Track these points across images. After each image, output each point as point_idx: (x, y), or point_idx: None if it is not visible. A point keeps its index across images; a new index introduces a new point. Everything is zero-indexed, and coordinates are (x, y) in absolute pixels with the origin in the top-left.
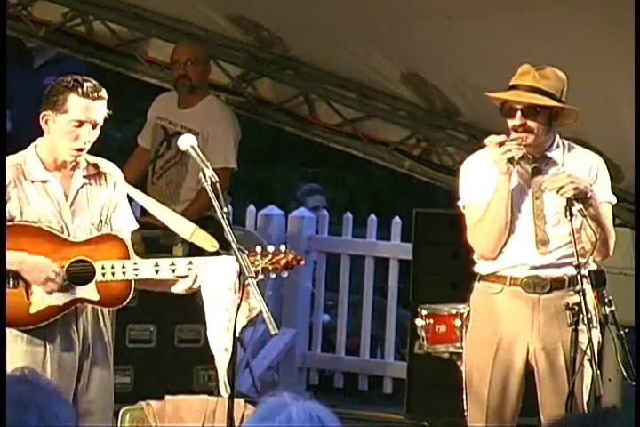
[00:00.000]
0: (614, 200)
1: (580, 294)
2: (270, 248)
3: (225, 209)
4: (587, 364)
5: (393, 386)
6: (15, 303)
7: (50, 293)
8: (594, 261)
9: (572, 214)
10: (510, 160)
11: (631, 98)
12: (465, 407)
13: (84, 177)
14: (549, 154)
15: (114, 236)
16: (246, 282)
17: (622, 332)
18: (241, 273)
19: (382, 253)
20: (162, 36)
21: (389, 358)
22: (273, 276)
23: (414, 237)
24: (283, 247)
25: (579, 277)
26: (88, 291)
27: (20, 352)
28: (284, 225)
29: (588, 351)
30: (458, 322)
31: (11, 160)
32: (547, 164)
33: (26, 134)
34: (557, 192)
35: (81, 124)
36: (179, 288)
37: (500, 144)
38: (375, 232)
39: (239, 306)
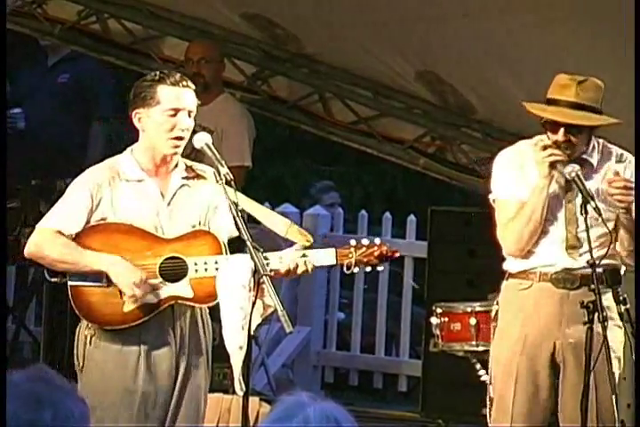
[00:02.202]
0: None
1: (596, 291)
2: (365, 241)
3: (240, 207)
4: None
5: (408, 384)
6: (109, 302)
7: (133, 299)
8: (624, 263)
9: (586, 212)
10: (552, 164)
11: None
12: (488, 405)
13: (183, 178)
14: (585, 156)
15: (206, 232)
16: (261, 280)
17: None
18: (256, 271)
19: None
20: (177, 34)
21: (404, 356)
22: (368, 269)
23: (429, 235)
24: (377, 240)
25: (594, 275)
26: (181, 288)
27: (114, 352)
28: (298, 223)
29: (615, 348)
30: (473, 320)
31: (105, 163)
32: (582, 166)
33: (40, 132)
34: (613, 195)
35: (176, 112)
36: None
37: (545, 147)
38: (390, 230)
39: (254, 304)
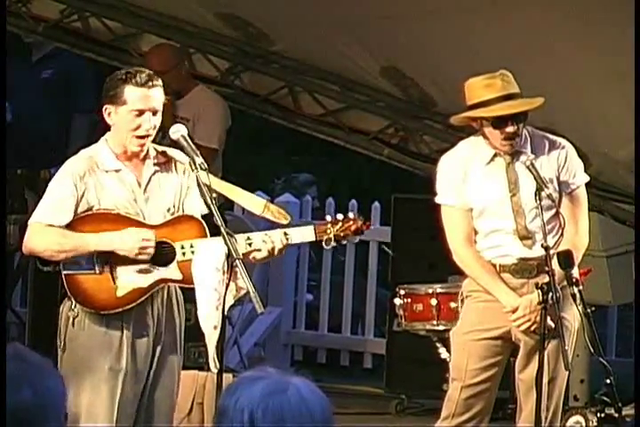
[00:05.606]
0: (587, 179)
1: (550, 273)
2: (339, 216)
3: (214, 195)
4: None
5: (373, 361)
6: (103, 288)
7: (145, 261)
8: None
9: (540, 199)
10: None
11: (602, 89)
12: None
13: (155, 165)
14: (518, 149)
15: (190, 217)
16: (234, 264)
17: (589, 310)
18: (229, 255)
19: (362, 236)
20: (154, 32)
21: (369, 334)
22: (344, 242)
23: (392, 220)
24: (351, 214)
25: (547, 257)
26: (171, 271)
27: (100, 334)
28: None
29: (568, 325)
30: (434, 301)
31: (82, 153)
32: (518, 158)
33: (25, 124)
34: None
35: (141, 112)
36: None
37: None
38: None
39: (227, 286)
